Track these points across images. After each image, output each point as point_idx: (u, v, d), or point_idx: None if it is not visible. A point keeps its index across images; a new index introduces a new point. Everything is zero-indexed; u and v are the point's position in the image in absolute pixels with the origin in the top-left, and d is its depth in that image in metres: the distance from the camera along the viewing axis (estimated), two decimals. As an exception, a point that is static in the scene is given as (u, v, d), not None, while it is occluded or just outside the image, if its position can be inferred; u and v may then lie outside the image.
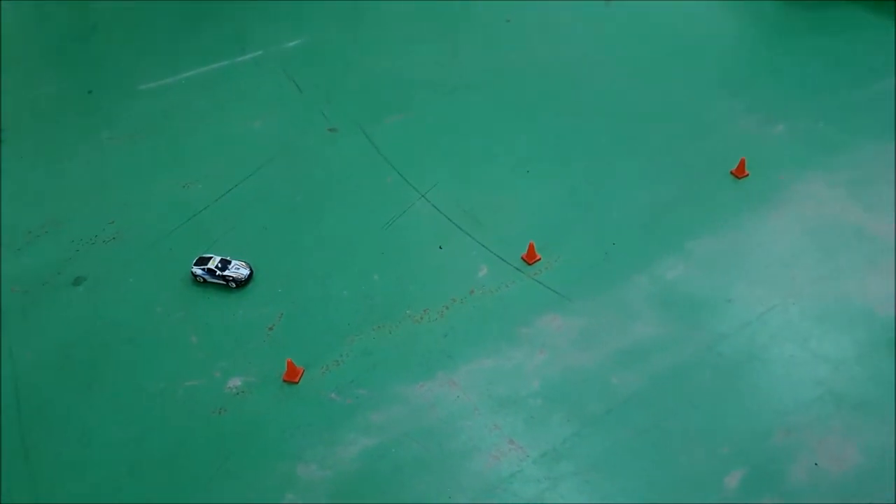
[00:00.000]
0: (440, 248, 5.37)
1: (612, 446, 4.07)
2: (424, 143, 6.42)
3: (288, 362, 4.65)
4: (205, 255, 6.17)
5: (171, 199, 6.32)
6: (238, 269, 6.07)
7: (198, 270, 6.05)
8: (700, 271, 5.23)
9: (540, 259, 5.21)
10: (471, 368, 4.42)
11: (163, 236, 6.06)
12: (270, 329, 5.14)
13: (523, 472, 4.11)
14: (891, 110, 6.84)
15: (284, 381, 4.51)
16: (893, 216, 5.64)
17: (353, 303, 5.24)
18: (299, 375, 4.57)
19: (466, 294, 5.00)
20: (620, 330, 4.76)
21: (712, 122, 6.68)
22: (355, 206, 5.76)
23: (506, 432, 4.05)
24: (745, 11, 8.27)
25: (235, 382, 4.78)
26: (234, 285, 6.01)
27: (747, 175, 6.06)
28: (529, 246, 5.21)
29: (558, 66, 7.39)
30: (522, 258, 5.28)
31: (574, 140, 6.55)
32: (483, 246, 5.25)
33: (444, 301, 4.92)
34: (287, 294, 5.48)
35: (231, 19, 7.60)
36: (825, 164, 6.21)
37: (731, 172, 6.06)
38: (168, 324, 5.40)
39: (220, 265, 6.08)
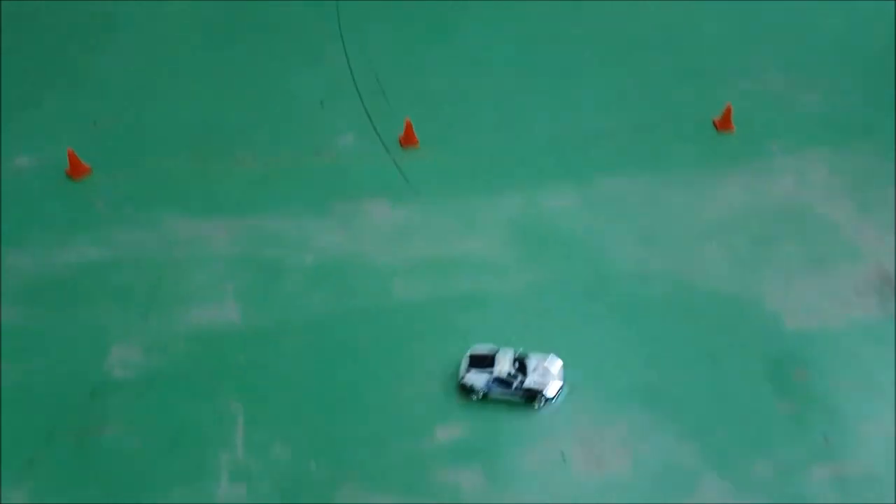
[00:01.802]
0: (321, 103, 4.78)
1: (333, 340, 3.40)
2: (386, 19, 5.68)
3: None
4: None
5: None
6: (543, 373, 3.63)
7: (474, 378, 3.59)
8: (588, 211, 4.15)
9: (417, 145, 4.44)
10: (251, 224, 3.89)
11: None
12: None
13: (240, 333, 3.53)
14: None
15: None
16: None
17: (183, 120, 4.73)
18: (83, 174, 4.11)
19: (309, 154, 4.40)
20: (448, 241, 3.93)
21: (731, 66, 5.16)
22: (268, 48, 5.25)
23: (232, 292, 3.52)
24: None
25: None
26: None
27: (732, 130, 4.71)
28: (406, 124, 4.42)
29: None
30: (398, 138, 4.53)
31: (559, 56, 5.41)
32: (368, 116, 4.58)
33: (281, 153, 4.37)
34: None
35: None
36: (838, 145, 4.58)
37: (714, 122, 4.76)
38: None
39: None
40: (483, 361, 3.47)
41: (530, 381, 3.45)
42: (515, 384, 3.45)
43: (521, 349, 3.63)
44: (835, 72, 5.15)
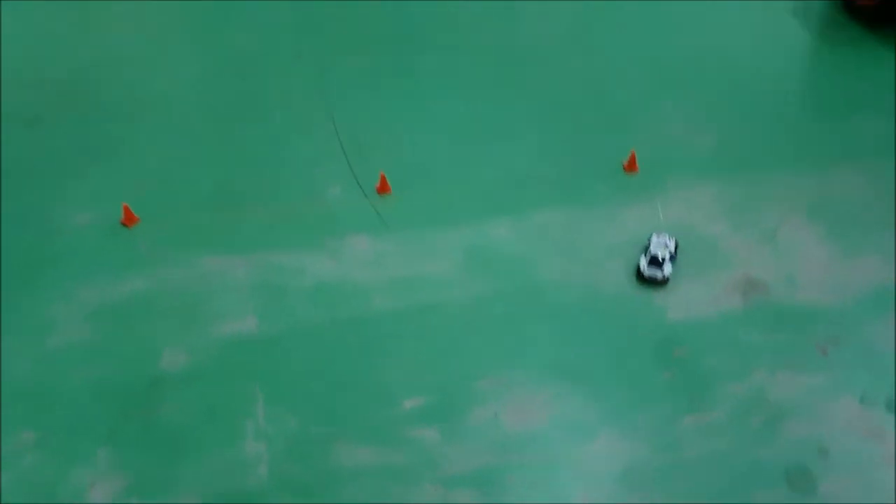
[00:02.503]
0: (314, 163, 5.87)
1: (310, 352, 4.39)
2: (369, 86, 6.84)
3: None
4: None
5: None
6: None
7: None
8: (522, 237, 5.20)
9: (390, 192, 5.54)
10: (263, 259, 4.95)
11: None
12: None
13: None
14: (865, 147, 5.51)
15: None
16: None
17: (205, 181, 5.74)
18: (134, 223, 4.91)
19: (305, 204, 5.48)
20: (415, 265, 4.99)
21: (639, 119, 6.30)
22: (266, 120, 6.31)
23: (251, 309, 4.58)
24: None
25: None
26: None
27: (636, 171, 5.79)
28: (381, 176, 5.54)
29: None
30: (376, 188, 5.63)
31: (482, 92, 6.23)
32: (352, 171, 5.69)
33: (283, 204, 5.45)
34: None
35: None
36: (722, 178, 5.62)
37: (623, 164, 5.84)
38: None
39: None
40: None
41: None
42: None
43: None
44: (726, 118, 6.21)
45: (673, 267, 4.69)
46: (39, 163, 5.74)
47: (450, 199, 5.79)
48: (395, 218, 5.41)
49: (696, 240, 5.05)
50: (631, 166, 5.90)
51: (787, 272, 4.78)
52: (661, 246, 4.70)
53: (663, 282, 4.65)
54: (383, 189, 5.92)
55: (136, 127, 6.07)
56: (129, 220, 5.07)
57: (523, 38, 7.40)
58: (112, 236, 5.09)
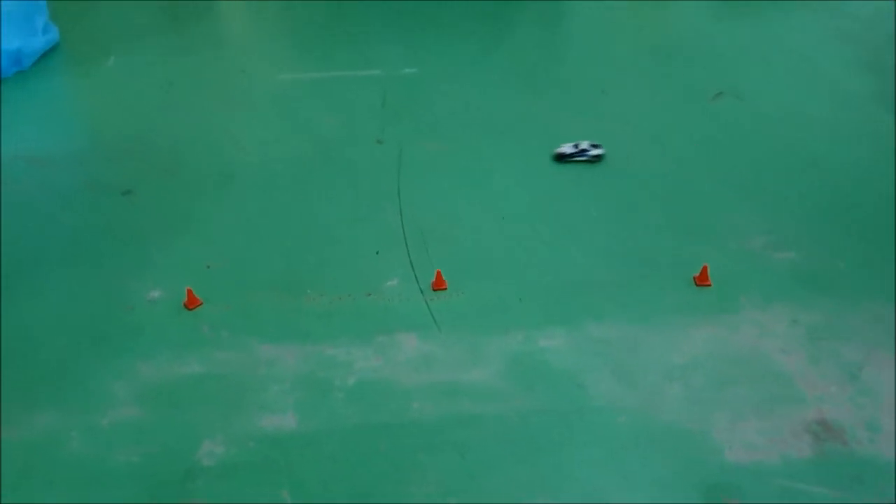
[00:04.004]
0: (377, 252, 5.90)
1: (353, 454, 4.29)
2: (439, 171, 6.90)
3: (188, 290, 5.47)
4: None
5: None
6: None
7: None
8: (574, 350, 4.92)
9: (446, 288, 5.47)
10: (314, 350, 5.00)
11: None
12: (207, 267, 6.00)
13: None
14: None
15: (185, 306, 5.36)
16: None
17: (272, 263, 5.91)
18: (196, 305, 5.36)
19: (363, 294, 5.49)
20: (459, 370, 4.85)
21: (715, 226, 5.93)
22: (338, 204, 6.46)
23: (293, 404, 4.62)
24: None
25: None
26: None
27: (709, 285, 5.38)
28: (437, 273, 5.47)
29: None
30: (431, 283, 5.56)
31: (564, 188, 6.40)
32: (411, 264, 5.69)
33: (342, 293, 5.50)
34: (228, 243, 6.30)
35: (366, 42, 9.01)
36: (802, 301, 5.12)
37: (694, 277, 5.45)
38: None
39: None
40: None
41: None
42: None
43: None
44: (809, 234, 5.77)
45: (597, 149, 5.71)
46: (126, 234, 6.14)
47: (504, 302, 5.63)
48: (446, 318, 5.31)
49: (766, 370, 4.63)
50: (702, 279, 5.51)
51: (870, 417, 4.28)
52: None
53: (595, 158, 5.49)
54: (438, 285, 5.87)
55: (217, 203, 6.39)
56: (191, 303, 5.29)
57: (595, 131, 7.30)
58: (177, 315, 5.32)
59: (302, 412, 5.11)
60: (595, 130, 7.73)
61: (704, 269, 5.80)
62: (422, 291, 5.80)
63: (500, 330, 5.51)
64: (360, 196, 7.05)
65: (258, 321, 5.61)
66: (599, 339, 5.49)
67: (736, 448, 4.69)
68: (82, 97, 8.70)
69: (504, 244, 6.32)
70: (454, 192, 6.87)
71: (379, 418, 5.07)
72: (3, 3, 8.30)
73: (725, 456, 4.67)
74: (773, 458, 4.64)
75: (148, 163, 7.26)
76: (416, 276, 5.93)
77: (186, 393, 5.12)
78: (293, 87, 8.61)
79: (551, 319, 5.55)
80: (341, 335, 5.67)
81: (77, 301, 5.64)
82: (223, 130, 7.75)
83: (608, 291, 5.83)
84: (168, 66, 9.03)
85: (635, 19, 9.91)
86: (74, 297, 5.65)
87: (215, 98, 8.45)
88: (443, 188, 6.97)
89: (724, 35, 9.20)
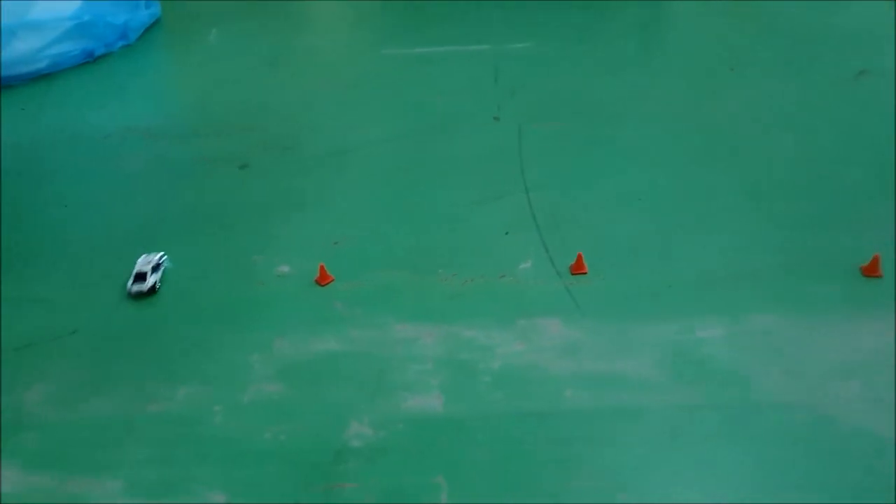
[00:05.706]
0: (506, 233, 5.67)
1: (504, 446, 4.07)
2: (561, 151, 6.63)
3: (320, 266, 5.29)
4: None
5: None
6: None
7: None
8: (735, 343, 4.59)
9: (586, 273, 5.19)
10: (452, 331, 4.79)
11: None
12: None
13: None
14: None
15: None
16: None
17: (399, 242, 5.70)
18: (328, 281, 5.21)
19: (496, 276, 5.27)
20: (610, 359, 4.58)
21: (880, 214, 5.41)
22: (460, 183, 6.26)
23: (438, 385, 4.41)
24: None
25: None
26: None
27: (879, 275, 4.96)
28: (578, 256, 5.21)
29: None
30: (570, 266, 5.30)
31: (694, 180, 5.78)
32: (544, 247, 5.43)
33: (474, 274, 5.29)
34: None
35: (477, 18, 8.72)
36: None
37: (861, 268, 5.04)
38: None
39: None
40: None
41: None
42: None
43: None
44: None
45: (161, 274, 4.90)
46: (246, 208, 6.08)
47: (653, 289, 5.30)
48: (590, 303, 5.08)
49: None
50: (872, 270, 5.08)
51: None
52: (145, 263, 4.88)
53: (150, 292, 4.80)
54: (578, 269, 5.60)
55: (336, 180, 6.28)
56: (322, 279, 5.17)
57: (732, 113, 6.87)
58: (309, 290, 5.21)
59: (448, 395, 4.83)
60: (723, 113, 7.18)
61: (875, 258, 5.37)
62: (559, 275, 5.58)
63: (651, 318, 5.18)
64: (482, 175, 6.79)
65: (391, 299, 5.41)
66: (762, 331, 5.04)
67: (931, 457, 4.30)
68: (188, 72, 8.68)
69: (640, 228, 5.94)
70: (580, 174, 6.51)
71: (531, 405, 4.65)
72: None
73: (922, 463, 4.30)
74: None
75: (259, 138, 7.18)
76: (551, 258, 5.71)
77: (326, 370, 4.96)
78: (398, 62, 8.42)
79: (707, 308, 5.19)
80: (477, 316, 5.43)
81: (206, 275, 5.55)
82: (331, 106, 7.61)
83: (763, 281, 5.40)
84: (270, 41, 8.97)
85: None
86: (203, 271, 5.56)
87: (320, 73, 8.32)
88: (568, 169, 6.62)
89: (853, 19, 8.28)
